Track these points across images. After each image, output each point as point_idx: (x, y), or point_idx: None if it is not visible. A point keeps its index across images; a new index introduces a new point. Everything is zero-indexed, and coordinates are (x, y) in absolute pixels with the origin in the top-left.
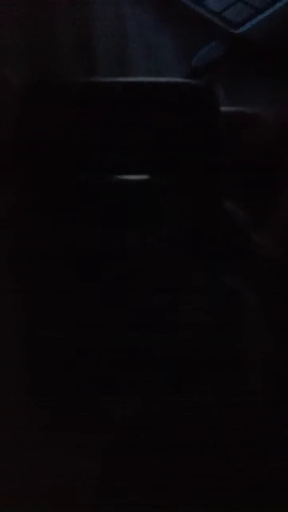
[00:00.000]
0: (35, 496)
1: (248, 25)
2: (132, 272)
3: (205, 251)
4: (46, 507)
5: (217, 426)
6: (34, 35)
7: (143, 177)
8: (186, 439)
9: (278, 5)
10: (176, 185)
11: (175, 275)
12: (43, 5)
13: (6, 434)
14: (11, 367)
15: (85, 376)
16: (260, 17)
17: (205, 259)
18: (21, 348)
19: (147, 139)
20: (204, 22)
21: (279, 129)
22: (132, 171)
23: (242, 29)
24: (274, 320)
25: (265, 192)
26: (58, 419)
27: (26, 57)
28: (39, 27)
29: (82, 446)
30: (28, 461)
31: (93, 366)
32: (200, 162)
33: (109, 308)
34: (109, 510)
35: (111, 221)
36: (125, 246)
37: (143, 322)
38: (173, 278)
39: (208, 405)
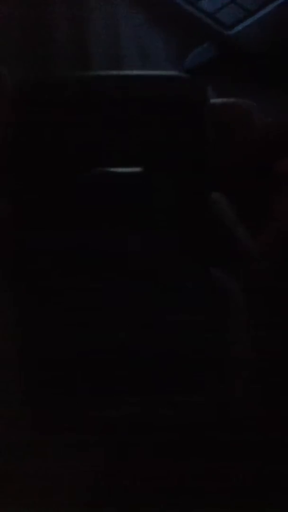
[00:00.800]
0: (36, 496)
1: (240, 27)
2: (120, 271)
3: (192, 245)
4: (47, 507)
5: (215, 426)
6: (29, 34)
7: (134, 170)
8: (185, 438)
9: (270, 7)
10: (164, 178)
11: (164, 272)
12: (39, 4)
13: (7, 435)
14: (10, 367)
15: (84, 377)
16: (252, 19)
17: (192, 254)
18: (20, 347)
19: (137, 134)
20: (197, 23)
21: (271, 126)
22: (124, 164)
23: (235, 30)
24: (262, 319)
25: (256, 187)
26: (58, 419)
27: (21, 56)
28: (34, 26)
29: (82, 446)
30: (28, 462)
31: (91, 367)
32: (186, 156)
33: (102, 307)
34: (109, 510)
35: (103, 217)
36: (114, 243)
37: (135, 321)
38: (161, 275)
39: (204, 404)
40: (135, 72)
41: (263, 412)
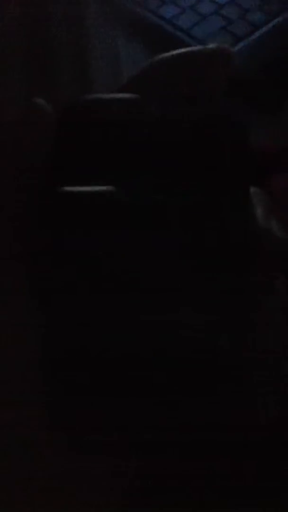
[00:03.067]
0: (50, 497)
1: (242, 44)
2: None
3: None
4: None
5: (235, 429)
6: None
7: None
8: (201, 442)
9: (258, 33)
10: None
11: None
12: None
13: (24, 435)
14: (29, 372)
15: (100, 383)
16: (241, 44)
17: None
18: (42, 347)
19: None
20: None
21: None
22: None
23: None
24: None
25: None
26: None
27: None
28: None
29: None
30: (46, 462)
31: (107, 373)
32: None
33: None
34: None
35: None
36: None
37: (165, 328)
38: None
39: (224, 409)
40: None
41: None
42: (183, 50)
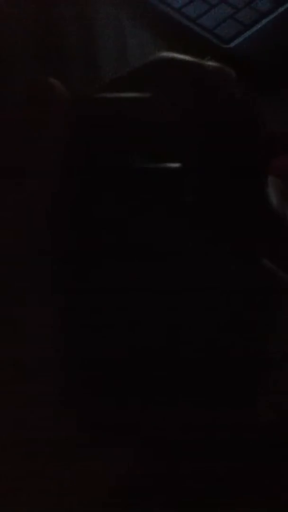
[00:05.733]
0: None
1: (238, 40)
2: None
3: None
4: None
5: (251, 433)
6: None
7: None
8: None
9: (264, 21)
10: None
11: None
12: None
13: (39, 434)
14: (47, 368)
15: (121, 383)
16: (249, 32)
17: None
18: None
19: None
20: (197, 38)
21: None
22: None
23: (233, 43)
24: None
25: None
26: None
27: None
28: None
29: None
30: (59, 462)
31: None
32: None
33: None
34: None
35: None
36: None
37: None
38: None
39: (242, 413)
40: None
41: None
42: (190, 58)
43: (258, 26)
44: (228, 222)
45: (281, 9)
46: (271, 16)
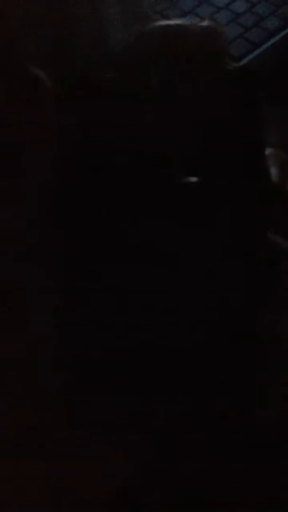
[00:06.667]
0: (64, 494)
1: (247, 58)
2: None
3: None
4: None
5: (259, 429)
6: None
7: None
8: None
9: (272, 41)
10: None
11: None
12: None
13: (40, 432)
14: (48, 364)
15: (130, 374)
16: (258, 51)
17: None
18: (60, 345)
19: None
20: None
21: None
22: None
23: (243, 61)
24: None
25: None
26: (98, 417)
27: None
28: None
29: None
30: (61, 460)
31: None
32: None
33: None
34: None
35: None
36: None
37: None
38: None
39: (250, 404)
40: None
41: None
42: (176, 23)
43: (267, 44)
44: (230, 198)
45: None
46: (280, 35)
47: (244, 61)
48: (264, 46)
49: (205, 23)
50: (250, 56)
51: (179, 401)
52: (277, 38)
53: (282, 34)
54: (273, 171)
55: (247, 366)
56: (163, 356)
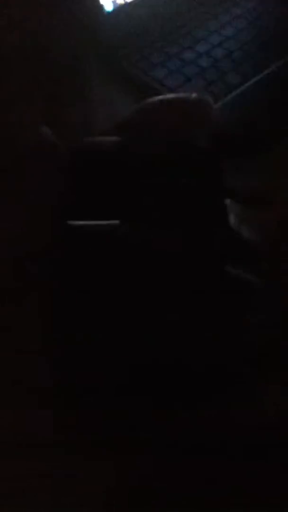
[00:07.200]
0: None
1: (221, 102)
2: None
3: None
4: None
5: (252, 433)
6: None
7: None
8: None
9: (234, 93)
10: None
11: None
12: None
13: (47, 436)
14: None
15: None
16: (220, 102)
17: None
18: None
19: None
20: None
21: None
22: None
23: (217, 105)
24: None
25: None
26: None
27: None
28: None
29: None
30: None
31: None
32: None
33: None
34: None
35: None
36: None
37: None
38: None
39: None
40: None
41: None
42: (169, 96)
43: (228, 97)
44: (195, 240)
45: (247, 84)
46: (240, 89)
47: (219, 103)
48: (225, 99)
49: (195, 95)
50: (225, 100)
51: (177, 402)
52: (237, 91)
53: (241, 89)
54: (231, 219)
55: None
56: (158, 361)
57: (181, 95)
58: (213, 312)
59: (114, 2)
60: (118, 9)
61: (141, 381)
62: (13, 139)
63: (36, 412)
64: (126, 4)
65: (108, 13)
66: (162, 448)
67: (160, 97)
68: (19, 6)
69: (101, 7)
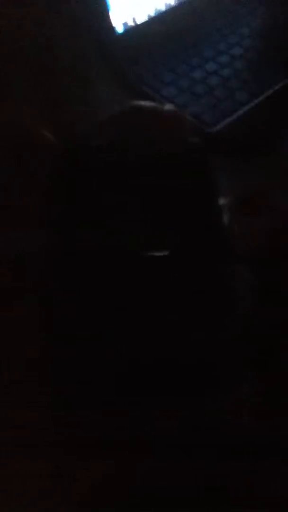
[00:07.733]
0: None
1: (220, 125)
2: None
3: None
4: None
5: (251, 433)
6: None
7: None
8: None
9: (244, 108)
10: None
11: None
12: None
13: (42, 434)
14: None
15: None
16: (229, 119)
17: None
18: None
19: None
20: None
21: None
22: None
23: (216, 128)
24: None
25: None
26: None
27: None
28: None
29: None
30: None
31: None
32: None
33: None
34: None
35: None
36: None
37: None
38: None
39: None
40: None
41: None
42: (152, 105)
43: (237, 114)
44: (185, 241)
45: (256, 100)
46: (248, 106)
47: (217, 127)
48: (234, 116)
49: (168, 106)
50: (223, 123)
51: (176, 401)
52: (245, 108)
53: (249, 106)
54: (225, 219)
55: None
56: (153, 361)
57: (155, 104)
58: (209, 312)
59: (125, 24)
60: (129, 30)
61: (141, 381)
62: (12, 139)
63: (36, 412)
64: (136, 25)
65: (119, 34)
66: (162, 448)
67: (142, 102)
68: (19, 6)
69: (112, 28)
